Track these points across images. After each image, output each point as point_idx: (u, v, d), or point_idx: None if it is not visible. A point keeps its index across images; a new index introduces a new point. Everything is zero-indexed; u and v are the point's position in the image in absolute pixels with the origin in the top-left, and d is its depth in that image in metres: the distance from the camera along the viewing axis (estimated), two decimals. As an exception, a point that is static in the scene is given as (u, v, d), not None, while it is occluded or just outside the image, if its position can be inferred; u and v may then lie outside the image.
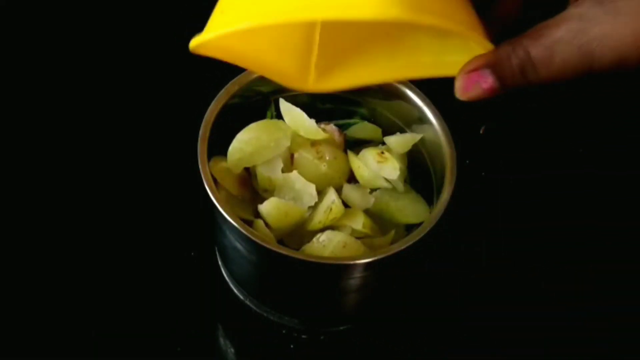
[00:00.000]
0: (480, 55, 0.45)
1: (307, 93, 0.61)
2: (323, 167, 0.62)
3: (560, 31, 0.42)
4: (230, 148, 0.61)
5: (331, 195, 0.60)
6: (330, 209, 0.59)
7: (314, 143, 0.63)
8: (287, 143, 0.62)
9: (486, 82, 0.45)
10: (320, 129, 0.63)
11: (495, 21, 0.48)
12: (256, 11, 0.45)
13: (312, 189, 0.60)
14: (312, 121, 0.63)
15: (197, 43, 0.47)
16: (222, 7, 0.48)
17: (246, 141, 0.61)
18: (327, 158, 0.63)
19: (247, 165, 0.62)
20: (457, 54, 0.48)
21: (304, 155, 0.62)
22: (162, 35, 0.79)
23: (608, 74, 0.43)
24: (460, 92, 0.46)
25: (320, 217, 0.59)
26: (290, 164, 0.63)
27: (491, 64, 0.45)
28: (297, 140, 0.63)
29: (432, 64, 0.51)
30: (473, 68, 0.45)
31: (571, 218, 0.72)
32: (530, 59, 0.43)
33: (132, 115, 0.74)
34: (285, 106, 0.63)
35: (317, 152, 0.63)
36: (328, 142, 0.64)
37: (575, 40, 0.42)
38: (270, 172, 0.61)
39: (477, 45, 0.46)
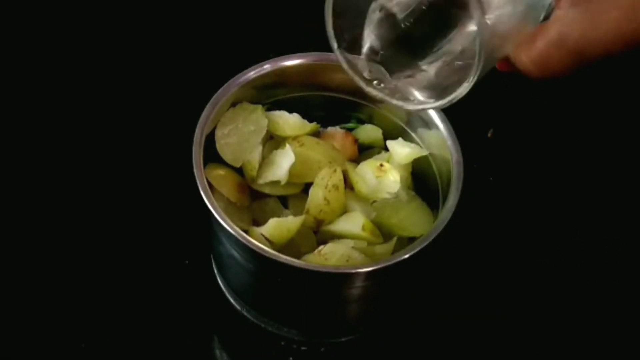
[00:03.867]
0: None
1: (300, 99, 0.65)
2: (305, 151, 0.63)
3: (550, 35, 0.48)
4: (217, 148, 0.62)
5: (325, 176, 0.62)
6: (326, 185, 0.61)
7: (293, 138, 0.64)
8: (265, 120, 0.63)
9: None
10: (304, 121, 0.65)
11: None
12: None
13: (288, 150, 0.62)
14: (296, 115, 0.65)
15: None
16: None
17: (226, 134, 0.62)
18: (309, 143, 0.64)
19: (244, 155, 0.62)
20: None
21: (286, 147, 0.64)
22: (158, 38, 0.79)
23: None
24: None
25: (319, 200, 0.61)
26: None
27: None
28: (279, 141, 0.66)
29: None
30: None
31: (584, 224, 0.72)
32: (530, 63, 0.49)
33: (127, 120, 0.74)
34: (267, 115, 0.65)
35: (298, 142, 0.64)
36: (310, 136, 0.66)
37: (563, 43, 0.47)
38: (256, 156, 0.63)
39: None
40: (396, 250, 0.59)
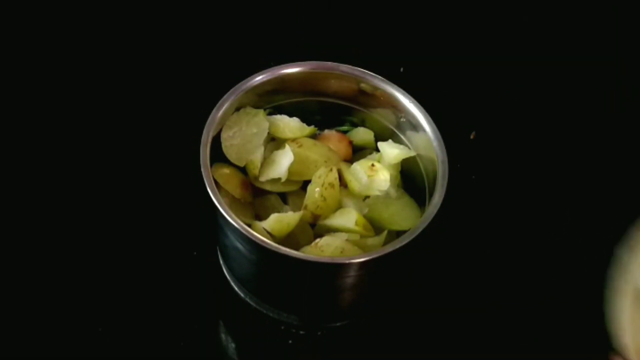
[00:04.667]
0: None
1: (299, 104, 0.66)
2: (303, 152, 0.64)
3: None
4: (223, 149, 0.63)
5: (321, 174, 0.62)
6: (322, 183, 0.61)
7: (293, 140, 0.65)
8: (266, 123, 0.64)
9: None
10: (303, 124, 0.65)
11: None
12: None
13: (287, 150, 0.62)
14: (296, 119, 0.65)
15: None
16: None
17: (231, 136, 0.63)
18: (307, 145, 0.65)
19: (247, 155, 0.63)
20: None
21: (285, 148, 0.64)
22: (167, 40, 0.80)
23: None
24: None
25: (316, 197, 0.61)
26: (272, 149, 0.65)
27: None
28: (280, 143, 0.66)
29: None
30: None
31: (563, 222, 0.72)
32: None
33: (141, 123, 0.74)
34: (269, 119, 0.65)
35: (297, 143, 0.64)
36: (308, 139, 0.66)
37: None
38: (259, 156, 0.64)
39: None
40: (386, 242, 0.60)
